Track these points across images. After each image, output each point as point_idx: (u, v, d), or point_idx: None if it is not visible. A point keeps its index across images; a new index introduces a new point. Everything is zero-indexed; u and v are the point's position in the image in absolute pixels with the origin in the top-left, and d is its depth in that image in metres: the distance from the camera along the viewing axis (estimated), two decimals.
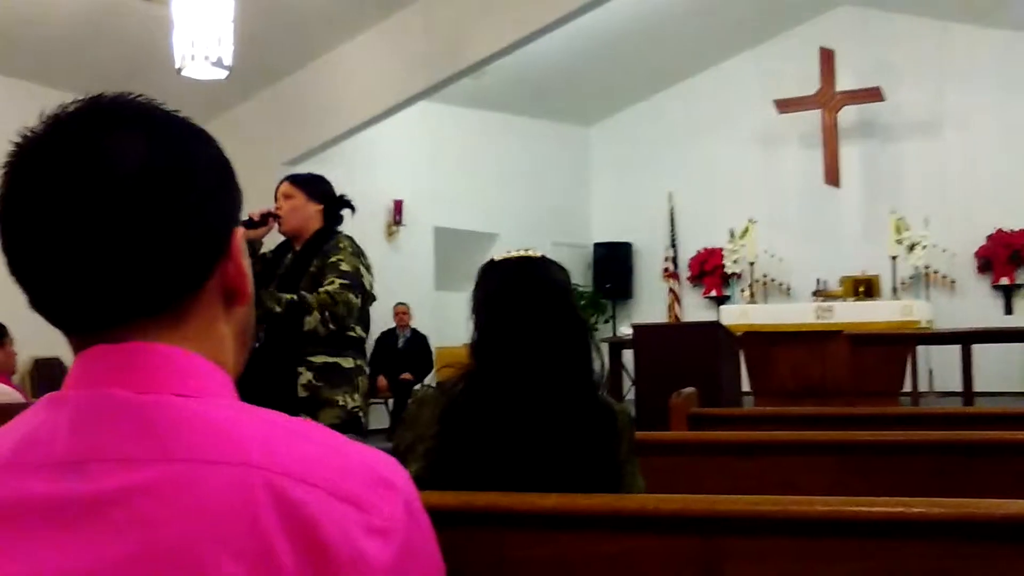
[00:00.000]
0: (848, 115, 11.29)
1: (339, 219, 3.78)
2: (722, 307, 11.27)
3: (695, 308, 12.27)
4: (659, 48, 11.25)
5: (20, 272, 0.80)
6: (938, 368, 9.64)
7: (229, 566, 0.70)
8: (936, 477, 2.29)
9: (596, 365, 1.79)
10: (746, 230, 11.31)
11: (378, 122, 8.96)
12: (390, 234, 10.60)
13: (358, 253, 3.66)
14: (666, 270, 12.40)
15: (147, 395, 0.77)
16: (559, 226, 12.17)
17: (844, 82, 11.19)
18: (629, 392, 8.44)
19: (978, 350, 7.90)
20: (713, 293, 12.12)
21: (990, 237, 10.77)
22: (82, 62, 7.56)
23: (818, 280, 11.09)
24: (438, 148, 11.03)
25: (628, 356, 7.81)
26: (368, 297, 3.66)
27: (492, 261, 1.87)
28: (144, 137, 0.80)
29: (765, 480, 2.40)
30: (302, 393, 3.50)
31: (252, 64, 7.53)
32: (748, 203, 11.48)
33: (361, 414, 3.65)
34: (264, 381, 3.42)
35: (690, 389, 3.23)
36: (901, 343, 7.74)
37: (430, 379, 9.41)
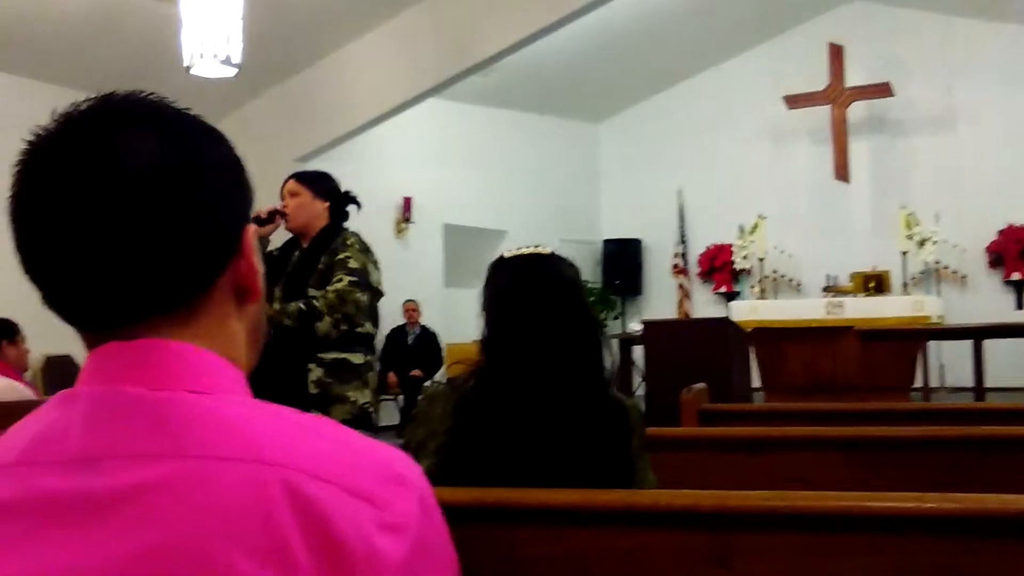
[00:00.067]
0: (857, 111, 11.25)
1: (345, 216, 3.79)
2: (732, 303, 11.25)
3: (705, 304, 12.25)
4: (668, 44, 11.24)
5: (33, 270, 0.81)
6: (949, 364, 9.61)
7: (243, 563, 0.70)
8: (947, 473, 2.28)
9: (607, 361, 1.78)
10: (756, 226, 11.28)
11: (387, 119, 8.96)
12: (399, 231, 10.61)
13: (365, 250, 3.66)
14: (676, 266, 12.39)
15: (160, 392, 0.77)
16: (568, 223, 12.17)
17: (853, 78, 11.15)
18: (639, 388, 8.44)
19: (989, 345, 7.87)
20: (723, 289, 12.10)
21: (1001, 232, 10.72)
22: (91, 61, 7.58)
23: (828, 276, 11.07)
24: (447, 145, 11.03)
25: (638, 352, 7.81)
26: (376, 294, 3.67)
27: (502, 258, 1.87)
28: (156, 135, 0.81)
29: (775, 476, 2.39)
30: (313, 390, 3.51)
31: (261, 62, 7.54)
32: (757, 199, 11.45)
33: (372, 410, 3.67)
34: (275, 378, 3.43)
35: (700, 385, 3.23)
36: (912, 339, 7.71)
37: (440, 376, 9.42)
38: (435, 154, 10.91)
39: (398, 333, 9.92)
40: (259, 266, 0.89)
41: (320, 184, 3.76)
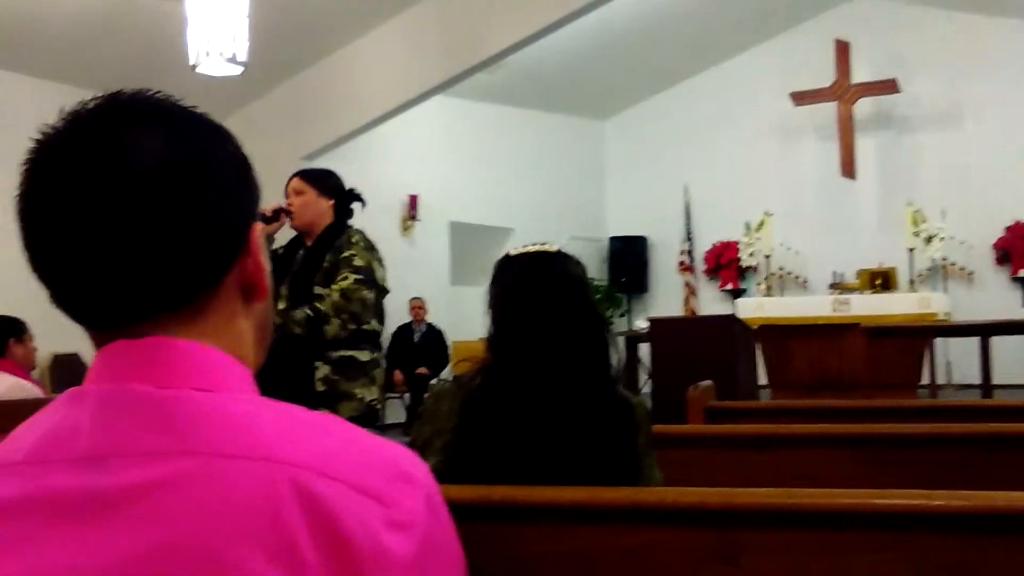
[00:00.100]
0: (864, 107, 11.23)
1: (350, 213, 3.79)
2: (738, 300, 11.24)
3: (711, 301, 12.25)
4: (674, 41, 11.23)
5: (41, 268, 0.81)
6: (956, 361, 9.60)
7: (251, 560, 0.70)
8: (954, 470, 2.28)
9: (613, 359, 1.78)
10: (762, 223, 11.27)
11: (393, 117, 8.96)
12: (405, 229, 10.62)
13: (370, 247, 3.67)
14: (682, 263, 12.38)
15: (167, 390, 0.78)
16: (574, 220, 12.17)
17: (860, 74, 11.14)
18: (645, 385, 8.43)
19: (996, 342, 7.86)
20: (729, 286, 12.09)
21: (1008, 228, 10.69)
22: (98, 59, 7.60)
23: (834, 273, 11.04)
24: (453, 143, 11.04)
25: (644, 350, 7.81)
26: (382, 291, 3.67)
27: (508, 255, 1.87)
28: (163, 133, 0.81)
29: (782, 473, 2.39)
30: (320, 387, 3.52)
31: (267, 60, 7.54)
32: (764, 196, 11.44)
33: (379, 407, 3.68)
34: (282, 376, 3.44)
35: (707, 382, 3.23)
36: (919, 336, 7.70)
37: (446, 373, 9.43)
38: (441, 151, 10.91)
39: (404, 331, 9.93)
40: (266, 264, 0.89)
41: (324, 182, 3.76)
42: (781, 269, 11.66)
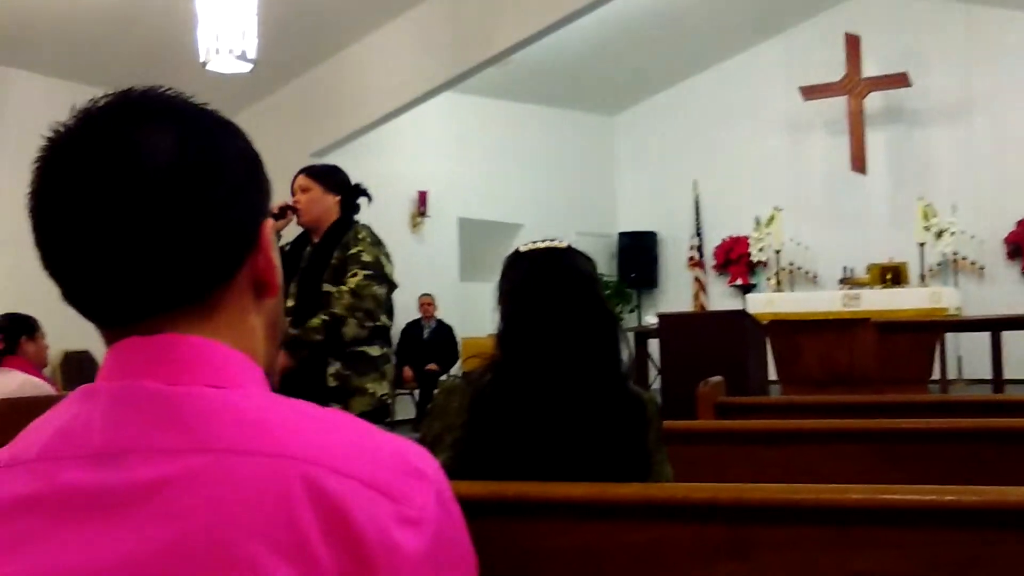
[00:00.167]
0: (874, 101, 11.19)
1: (356, 208, 3.79)
2: (748, 295, 11.21)
3: (721, 297, 12.22)
4: (683, 36, 11.21)
5: (53, 266, 0.81)
6: (967, 355, 9.56)
7: (263, 556, 0.70)
8: (965, 465, 2.27)
9: (623, 355, 1.78)
10: (772, 218, 11.24)
11: (402, 113, 8.97)
12: (415, 225, 10.62)
13: (377, 242, 3.67)
14: (691, 259, 12.36)
15: (179, 387, 0.78)
16: (583, 216, 12.16)
17: (870, 68, 11.09)
18: (655, 381, 8.43)
19: (1008, 337, 7.82)
20: (739, 282, 12.07)
21: (1019, 223, 10.64)
22: (108, 58, 7.62)
23: (845, 268, 11.02)
24: (462, 139, 11.04)
25: (654, 345, 7.80)
26: (391, 285, 3.68)
27: (518, 251, 1.87)
28: (174, 131, 0.81)
29: (792, 469, 2.39)
30: (331, 383, 3.53)
31: (277, 57, 7.55)
32: (774, 191, 11.41)
33: (389, 402, 3.69)
34: (294, 372, 3.45)
35: (717, 378, 3.22)
36: (929, 330, 7.68)
37: (456, 370, 9.43)
38: (450, 148, 10.91)
39: (414, 327, 9.94)
40: (277, 261, 0.89)
41: (330, 178, 3.76)
42: (791, 264, 11.64)
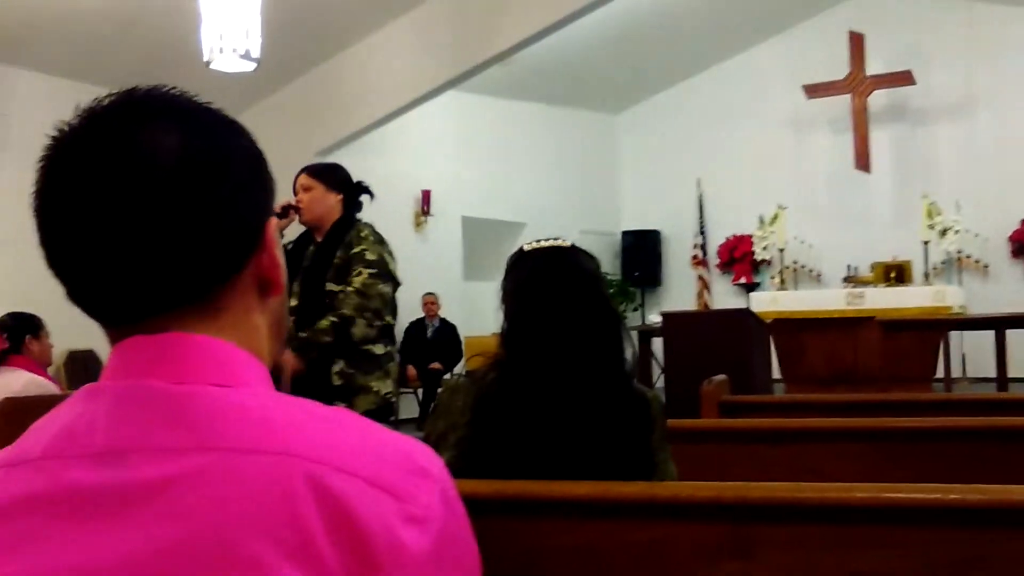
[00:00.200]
0: (878, 99, 11.18)
1: (359, 206, 3.79)
2: (752, 294, 11.20)
3: (724, 295, 12.21)
4: (686, 35, 11.20)
5: (58, 265, 0.81)
6: (971, 354, 9.54)
7: (268, 555, 0.70)
8: (970, 464, 2.27)
9: (627, 353, 1.78)
10: (776, 216, 11.23)
11: (406, 112, 8.97)
12: (418, 224, 10.62)
13: (380, 240, 3.67)
14: (695, 257, 12.35)
15: (184, 385, 0.78)
16: (587, 214, 12.15)
17: (874, 66, 11.07)
18: (659, 380, 8.42)
19: (1012, 335, 7.80)
20: (743, 280, 12.06)
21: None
22: (111, 57, 7.62)
23: (849, 266, 11.01)
24: (465, 138, 11.03)
25: (657, 344, 7.80)
26: (395, 283, 3.68)
27: (522, 250, 1.87)
28: (178, 129, 0.81)
29: (796, 467, 2.38)
30: (336, 381, 3.53)
31: (280, 56, 7.56)
32: (777, 189, 11.40)
33: (393, 400, 3.69)
34: (298, 370, 3.45)
35: (721, 377, 3.22)
36: (933, 329, 7.68)
37: (459, 368, 9.43)
38: (453, 147, 10.91)
39: (417, 326, 9.94)
40: (281, 259, 0.89)
41: (332, 176, 3.76)
42: (795, 262, 11.62)
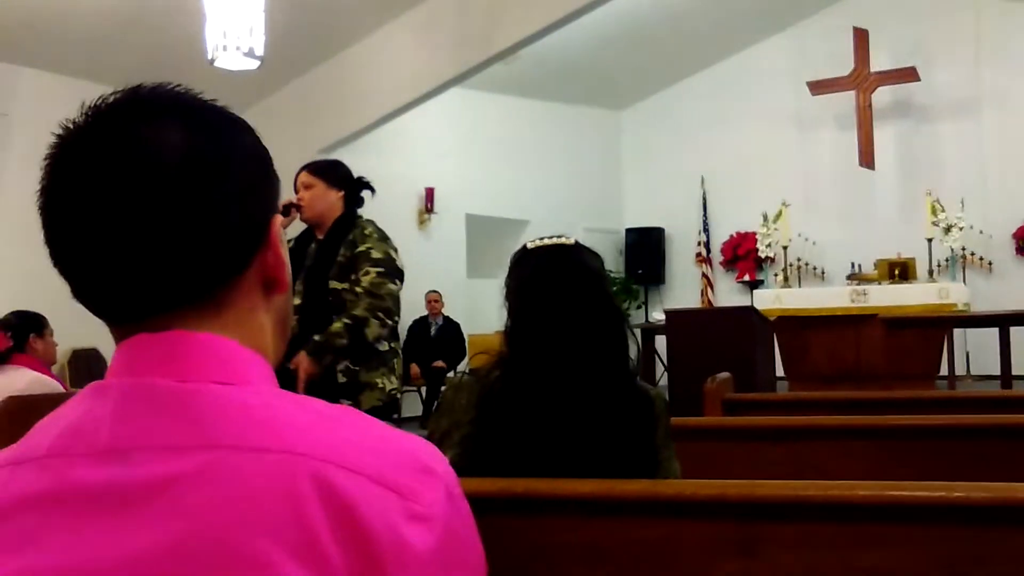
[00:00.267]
0: (882, 96, 11.15)
1: (360, 202, 3.78)
2: (755, 292, 11.18)
3: (728, 293, 12.21)
4: (691, 31, 11.18)
5: (63, 263, 0.81)
6: (975, 351, 9.54)
7: (272, 553, 0.70)
8: (974, 462, 2.27)
9: (631, 351, 1.78)
10: (779, 214, 11.22)
11: (409, 110, 8.97)
12: (422, 222, 10.62)
13: (384, 238, 3.66)
14: (698, 255, 12.35)
15: (188, 383, 0.78)
16: (590, 212, 12.15)
17: (878, 62, 11.05)
18: (662, 378, 8.43)
19: (1016, 333, 7.81)
20: (746, 278, 12.05)
21: None
22: (115, 55, 7.63)
23: (852, 263, 10.99)
24: (469, 135, 11.03)
25: (661, 342, 7.80)
26: (401, 280, 3.67)
27: (525, 248, 1.87)
28: (183, 127, 0.81)
29: (800, 465, 2.38)
30: (341, 379, 3.53)
31: (284, 54, 7.57)
32: (781, 186, 11.38)
33: (398, 396, 3.68)
34: (313, 374, 3.44)
35: (724, 374, 3.22)
36: (937, 326, 7.67)
37: (463, 366, 9.43)
38: (457, 144, 10.91)
39: (421, 324, 9.94)
40: (286, 257, 0.89)
41: (333, 173, 3.75)
42: (799, 260, 11.61)
